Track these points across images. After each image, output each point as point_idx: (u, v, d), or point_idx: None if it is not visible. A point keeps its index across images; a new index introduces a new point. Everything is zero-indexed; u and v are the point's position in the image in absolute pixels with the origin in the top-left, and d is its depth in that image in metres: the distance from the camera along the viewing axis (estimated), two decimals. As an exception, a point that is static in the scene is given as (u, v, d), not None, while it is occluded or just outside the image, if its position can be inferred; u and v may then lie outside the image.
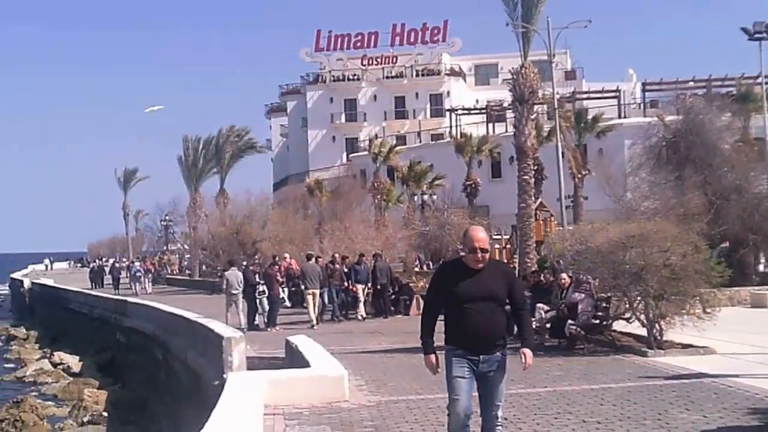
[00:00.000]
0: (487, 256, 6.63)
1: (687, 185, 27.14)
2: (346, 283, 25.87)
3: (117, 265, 57.97)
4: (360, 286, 25.47)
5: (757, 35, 36.28)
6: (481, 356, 6.58)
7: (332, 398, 10.85)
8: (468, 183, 45.25)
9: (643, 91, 61.45)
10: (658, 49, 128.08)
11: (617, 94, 58.63)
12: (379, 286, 25.82)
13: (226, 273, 25.63)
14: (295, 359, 13.21)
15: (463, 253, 6.79)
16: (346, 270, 26.35)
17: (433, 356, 6.82)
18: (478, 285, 6.56)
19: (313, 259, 25.26)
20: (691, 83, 52.21)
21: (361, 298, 25.52)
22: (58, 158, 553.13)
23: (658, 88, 57.11)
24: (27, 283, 63.14)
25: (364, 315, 25.22)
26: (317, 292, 23.94)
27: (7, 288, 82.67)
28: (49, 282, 57.94)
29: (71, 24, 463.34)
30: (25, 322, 55.08)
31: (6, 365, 38.08)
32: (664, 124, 31.37)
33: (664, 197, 26.98)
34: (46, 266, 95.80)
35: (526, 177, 29.93)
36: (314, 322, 23.27)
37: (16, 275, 76.40)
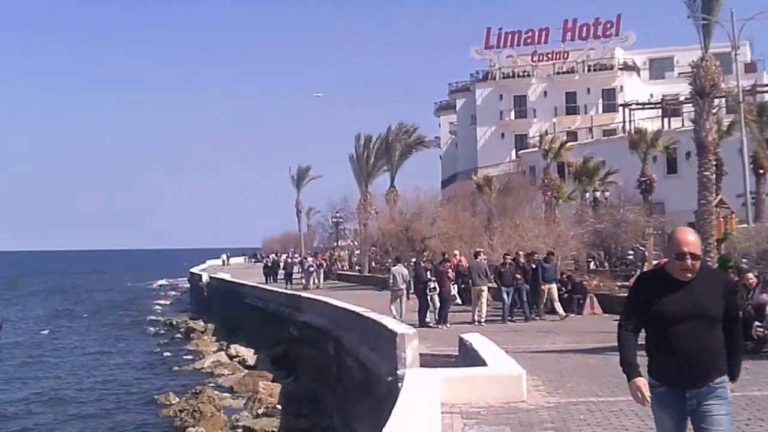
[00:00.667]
0: (698, 264, 5.41)
1: None
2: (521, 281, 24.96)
3: (289, 260, 59.32)
4: (547, 286, 24.75)
5: None
6: (688, 392, 5.38)
7: (510, 398, 10.62)
8: (643, 179, 43.48)
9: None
10: None
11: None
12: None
13: (392, 269, 25.74)
14: (469, 357, 12.99)
15: (664, 261, 5.76)
16: (533, 267, 25.52)
17: (640, 380, 5.46)
18: (686, 301, 5.36)
19: (480, 256, 25.23)
20: None
21: (555, 297, 24.82)
22: (237, 158, 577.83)
23: None
24: (205, 278, 65.57)
25: (563, 314, 24.38)
26: (485, 288, 24.10)
27: (187, 282, 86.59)
28: (226, 276, 59.91)
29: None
30: (203, 315, 57.19)
31: (185, 356, 39.79)
32: None
33: None
34: (223, 261, 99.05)
35: (706, 173, 28.45)
36: (481, 318, 23.43)
37: (194, 270, 79.74)
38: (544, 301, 24.90)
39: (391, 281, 25.37)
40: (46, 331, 53.28)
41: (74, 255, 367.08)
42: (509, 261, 25.12)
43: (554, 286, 25.00)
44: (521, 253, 26.78)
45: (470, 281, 24.91)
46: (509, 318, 24.07)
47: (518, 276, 24.56)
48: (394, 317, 22.79)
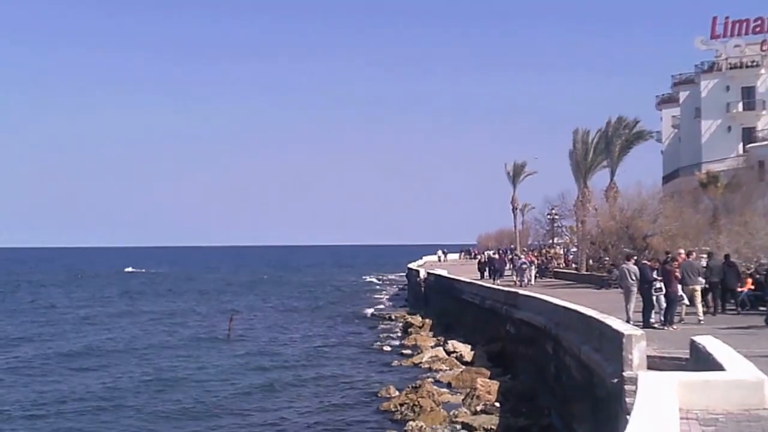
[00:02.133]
0: None
1: None
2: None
3: (496, 256, 59.42)
4: None
5: None
6: None
7: (750, 405, 9.93)
8: None
9: None
10: None
11: None
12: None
13: (622, 266, 24.95)
14: (702, 361, 12.35)
15: None
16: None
17: None
18: None
19: (692, 255, 25.26)
20: None
21: None
22: (460, 156, 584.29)
23: None
24: (422, 274, 66.72)
25: None
26: (698, 288, 23.76)
27: (405, 278, 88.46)
28: (443, 272, 60.59)
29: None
30: (420, 310, 58.23)
31: (404, 351, 40.56)
32: None
33: None
34: (439, 257, 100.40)
35: None
36: (699, 317, 22.94)
37: (412, 265, 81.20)
38: None
39: (619, 279, 25.21)
40: (272, 326, 55.90)
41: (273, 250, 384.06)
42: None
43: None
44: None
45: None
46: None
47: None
48: (628, 318, 22.24)
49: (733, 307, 26.83)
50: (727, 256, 28.14)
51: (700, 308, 23.57)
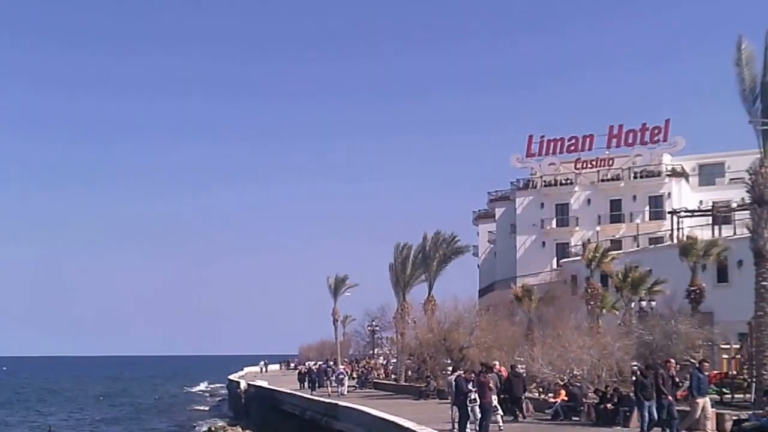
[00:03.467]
0: None
1: None
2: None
3: (316, 368, 59.46)
4: (701, 400, 22.10)
5: None
6: None
7: None
8: (692, 288, 42.11)
9: None
10: None
11: None
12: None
13: (448, 378, 25.85)
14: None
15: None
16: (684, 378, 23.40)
17: None
18: None
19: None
20: None
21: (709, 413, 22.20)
22: (276, 263, 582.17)
23: None
24: (243, 385, 65.53)
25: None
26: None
27: (225, 388, 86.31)
28: (264, 383, 59.45)
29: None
30: (241, 421, 56.76)
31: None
32: None
33: None
34: (261, 368, 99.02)
35: (764, 283, 27.37)
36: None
37: (233, 376, 79.31)
38: (697, 416, 22.04)
39: (447, 389, 25.78)
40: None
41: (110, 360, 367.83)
42: (652, 372, 22.32)
43: (708, 400, 22.57)
44: (672, 361, 23.60)
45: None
46: None
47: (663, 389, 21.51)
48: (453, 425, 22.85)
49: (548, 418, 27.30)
50: (512, 367, 29.52)
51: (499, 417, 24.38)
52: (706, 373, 23.23)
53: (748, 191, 28.70)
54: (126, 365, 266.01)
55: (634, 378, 24.10)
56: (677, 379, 22.82)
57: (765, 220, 27.52)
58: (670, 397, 21.37)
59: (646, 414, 21.27)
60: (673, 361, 23.81)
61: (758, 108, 28.01)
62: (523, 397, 28.03)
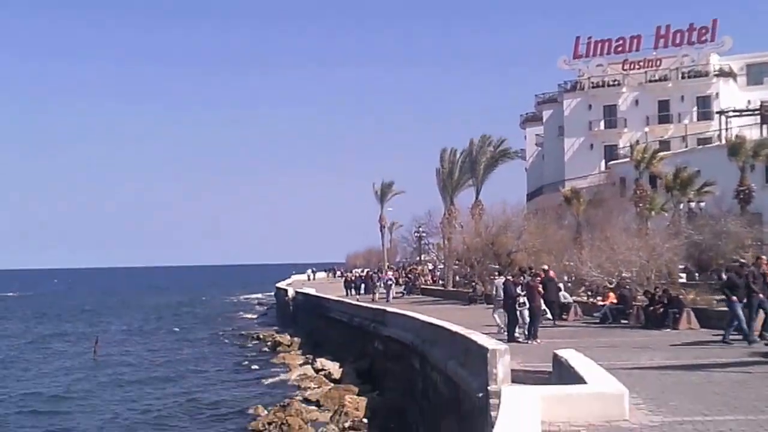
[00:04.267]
0: None
1: None
2: None
3: (363, 275, 60.40)
4: None
5: None
6: None
7: (611, 417, 9.95)
8: (741, 189, 41.69)
9: None
10: None
11: None
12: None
13: (495, 281, 26.60)
14: (565, 374, 12.31)
15: None
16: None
17: None
18: None
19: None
20: None
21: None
22: (327, 172, 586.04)
23: None
24: (291, 293, 66.19)
25: None
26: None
27: (273, 297, 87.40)
28: (311, 291, 60.12)
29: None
30: (288, 329, 57.61)
31: (273, 370, 39.81)
32: None
33: None
34: (308, 276, 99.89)
35: (813, 181, 27.03)
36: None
37: (280, 284, 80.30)
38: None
39: (494, 293, 26.03)
40: (140, 347, 54.13)
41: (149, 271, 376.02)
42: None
43: None
44: (763, 258, 21.87)
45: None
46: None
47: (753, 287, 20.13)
48: (499, 327, 23.31)
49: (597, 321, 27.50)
50: (545, 271, 28.86)
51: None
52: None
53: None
54: (182, 274, 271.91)
55: (725, 277, 23.11)
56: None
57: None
58: (761, 295, 20.01)
59: (741, 314, 19.78)
60: (765, 257, 22.19)
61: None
62: (556, 302, 28.07)
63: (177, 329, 67.80)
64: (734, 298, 20.08)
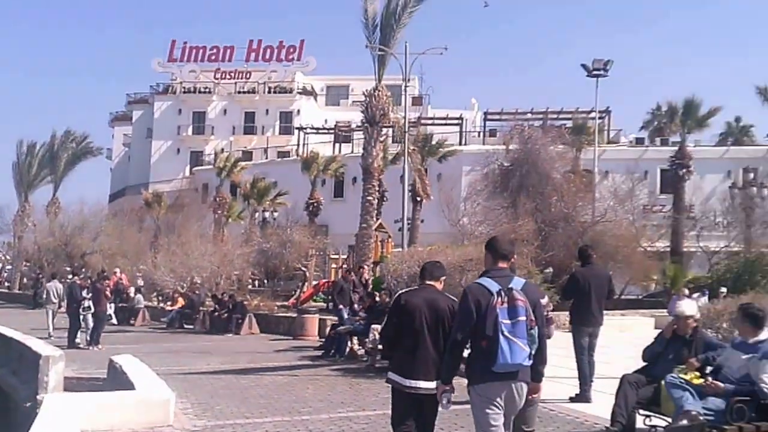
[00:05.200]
0: None
1: (520, 212, 27.51)
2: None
3: None
4: None
5: (595, 72, 38.03)
6: None
7: (155, 423, 10.17)
8: (311, 201, 44.80)
9: (485, 120, 62.27)
10: (500, 83, 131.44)
11: (460, 121, 59.71)
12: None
13: (47, 284, 25.60)
14: (118, 380, 12.37)
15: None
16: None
17: None
18: None
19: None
20: (530, 114, 53.33)
21: None
22: None
23: (499, 118, 58.12)
24: None
25: None
26: None
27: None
28: None
29: None
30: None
31: None
32: (507, 149, 31.98)
33: (497, 223, 27.10)
34: None
35: (370, 198, 29.89)
36: None
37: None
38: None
39: (44, 296, 25.33)
40: None
41: None
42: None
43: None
44: (365, 267, 24.35)
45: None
46: None
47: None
48: (50, 334, 22.71)
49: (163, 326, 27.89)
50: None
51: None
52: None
53: (362, 112, 31.00)
54: None
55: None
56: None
57: (374, 139, 29.97)
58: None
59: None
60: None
61: (377, 36, 30.05)
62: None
63: None
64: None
